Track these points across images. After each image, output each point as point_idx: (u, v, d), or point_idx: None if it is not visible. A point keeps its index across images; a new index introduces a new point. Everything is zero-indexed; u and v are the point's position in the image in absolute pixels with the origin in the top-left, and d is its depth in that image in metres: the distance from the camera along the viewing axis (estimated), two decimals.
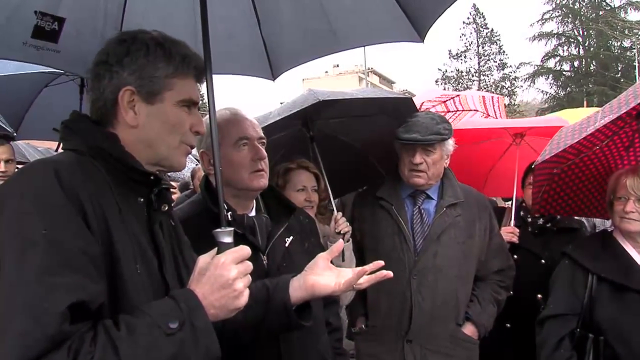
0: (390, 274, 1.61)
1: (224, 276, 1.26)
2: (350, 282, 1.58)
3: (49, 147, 5.32)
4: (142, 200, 1.39)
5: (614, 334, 2.30)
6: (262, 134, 2.05)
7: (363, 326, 2.94)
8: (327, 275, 1.60)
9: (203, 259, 1.31)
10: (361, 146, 3.29)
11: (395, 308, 2.79)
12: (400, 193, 2.92)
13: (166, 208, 1.46)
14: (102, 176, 1.29)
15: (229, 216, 1.89)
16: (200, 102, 1.62)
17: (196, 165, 5.56)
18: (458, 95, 6.62)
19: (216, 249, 1.34)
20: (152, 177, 1.39)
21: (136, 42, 1.38)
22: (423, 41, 2.36)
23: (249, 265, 1.33)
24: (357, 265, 2.81)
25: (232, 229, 1.38)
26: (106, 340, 1.08)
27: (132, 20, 2.25)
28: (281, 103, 3.50)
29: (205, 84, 1.55)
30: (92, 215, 1.19)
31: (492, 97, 6.89)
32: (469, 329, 2.82)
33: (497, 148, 4.24)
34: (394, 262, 2.76)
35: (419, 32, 2.36)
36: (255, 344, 1.85)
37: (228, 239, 1.35)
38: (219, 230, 1.37)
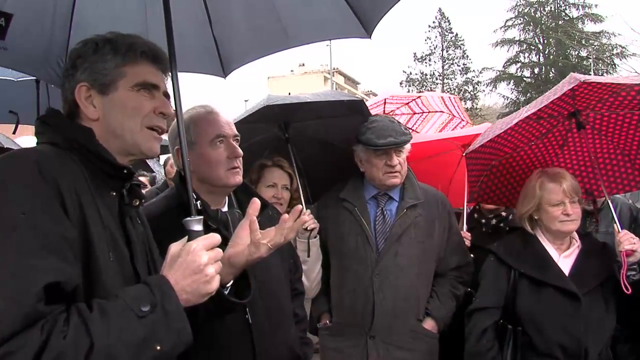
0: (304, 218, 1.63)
1: (196, 262, 1.31)
2: (273, 240, 1.61)
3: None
4: (114, 194, 1.44)
5: (530, 324, 2.51)
6: (237, 132, 2.11)
7: (327, 322, 3.02)
8: (242, 243, 1.60)
9: (175, 247, 1.36)
10: (341, 144, 3.38)
11: (358, 305, 2.88)
12: (364, 195, 3.02)
13: (137, 203, 1.52)
14: (78, 167, 1.34)
15: (199, 205, 1.92)
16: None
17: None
18: (419, 97, 6.70)
19: (187, 237, 1.39)
20: (125, 171, 1.44)
21: (88, 44, 1.46)
22: (370, 37, 2.42)
23: (219, 252, 1.38)
24: (323, 264, 2.98)
25: (201, 217, 1.43)
26: (79, 321, 1.12)
27: (81, 20, 2.26)
28: (246, 101, 3.55)
29: (170, 78, 1.58)
30: (69, 202, 1.24)
31: (450, 97, 7.04)
32: (428, 324, 2.94)
33: (452, 160, 4.37)
34: (357, 262, 2.89)
35: (366, 28, 2.42)
36: (228, 337, 1.93)
37: (198, 227, 1.41)
38: (188, 218, 1.42)
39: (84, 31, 2.23)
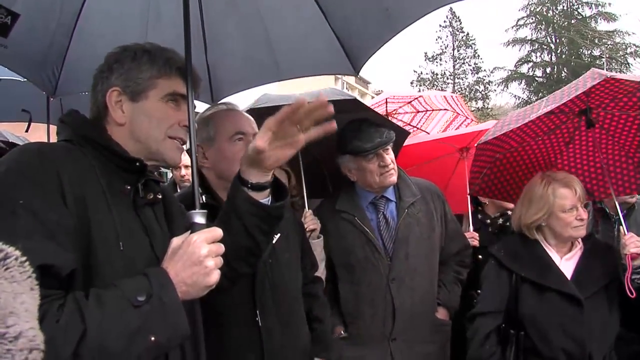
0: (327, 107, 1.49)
1: (196, 254, 1.31)
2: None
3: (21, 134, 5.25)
4: (129, 187, 1.46)
5: (533, 329, 2.46)
6: (257, 130, 2.04)
7: (342, 332, 2.94)
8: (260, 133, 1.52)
9: (176, 240, 1.37)
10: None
11: (379, 314, 2.84)
12: (361, 202, 2.95)
13: (151, 197, 1.53)
14: (87, 162, 1.39)
15: (204, 199, 1.94)
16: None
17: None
18: (421, 95, 6.68)
19: (190, 230, 1.38)
20: (137, 164, 1.46)
21: (127, 50, 1.53)
22: (357, 75, 2.51)
23: (221, 247, 1.37)
24: (327, 276, 2.92)
25: (205, 211, 1.43)
26: (74, 307, 1.14)
27: (84, 30, 2.27)
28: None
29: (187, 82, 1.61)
30: (69, 193, 1.27)
31: (452, 95, 7.04)
32: (442, 314, 2.98)
33: (448, 165, 4.30)
34: (370, 272, 2.84)
35: (355, 66, 2.49)
36: (236, 338, 1.94)
37: (201, 220, 1.41)
38: (192, 211, 1.42)
39: (85, 41, 2.31)
